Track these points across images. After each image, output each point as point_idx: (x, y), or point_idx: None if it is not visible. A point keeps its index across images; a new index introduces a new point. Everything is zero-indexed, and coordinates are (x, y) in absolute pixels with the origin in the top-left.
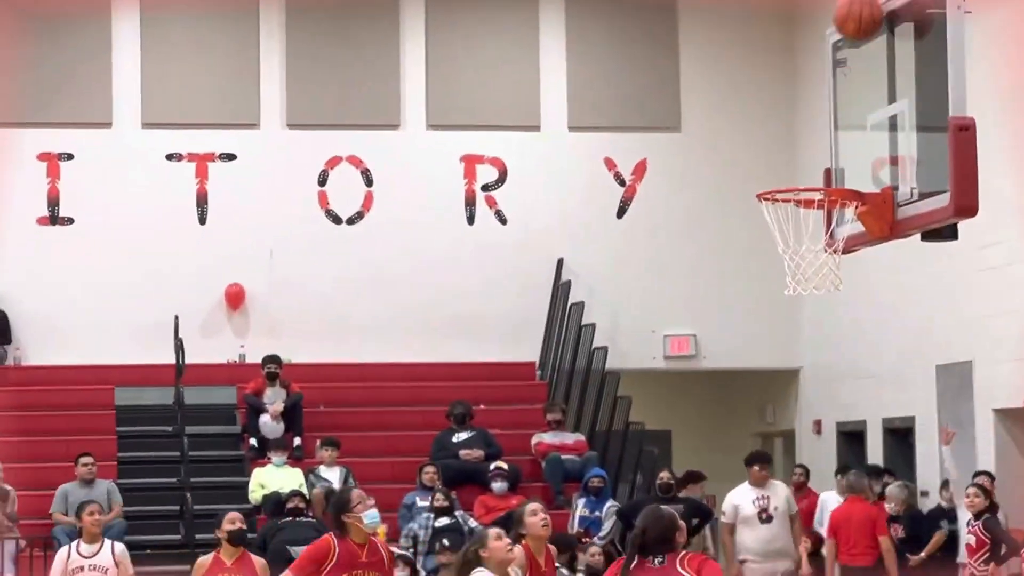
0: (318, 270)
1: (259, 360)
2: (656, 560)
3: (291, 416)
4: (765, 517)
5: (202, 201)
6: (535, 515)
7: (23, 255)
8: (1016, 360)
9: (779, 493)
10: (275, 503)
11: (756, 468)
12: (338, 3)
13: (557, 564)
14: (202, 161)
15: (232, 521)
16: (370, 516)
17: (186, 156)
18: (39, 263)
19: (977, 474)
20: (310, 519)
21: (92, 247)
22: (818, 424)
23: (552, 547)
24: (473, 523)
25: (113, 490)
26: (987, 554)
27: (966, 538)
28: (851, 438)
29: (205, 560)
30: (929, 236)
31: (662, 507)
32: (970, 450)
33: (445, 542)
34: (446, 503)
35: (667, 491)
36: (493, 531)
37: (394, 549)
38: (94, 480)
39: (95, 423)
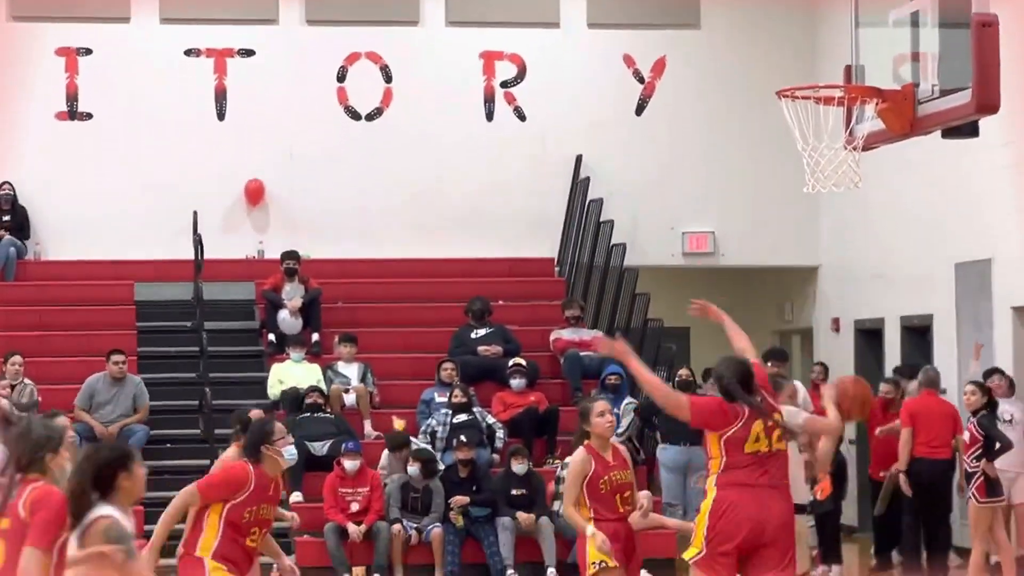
0: (337, 166)
1: (278, 256)
2: (757, 400)
3: (309, 312)
4: None
5: (221, 97)
6: (602, 416)
7: (42, 150)
8: None
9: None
10: (293, 399)
11: (770, 365)
12: None
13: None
14: (220, 57)
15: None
16: (289, 452)
17: (204, 52)
18: (58, 158)
19: (990, 372)
20: (328, 415)
21: (111, 142)
22: (836, 322)
23: (621, 447)
24: (491, 419)
25: (141, 390)
26: (980, 451)
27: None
28: (869, 336)
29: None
30: (950, 133)
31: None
32: (988, 349)
33: (463, 438)
34: (464, 399)
35: (686, 388)
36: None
37: (415, 441)
38: (124, 378)
39: (115, 318)
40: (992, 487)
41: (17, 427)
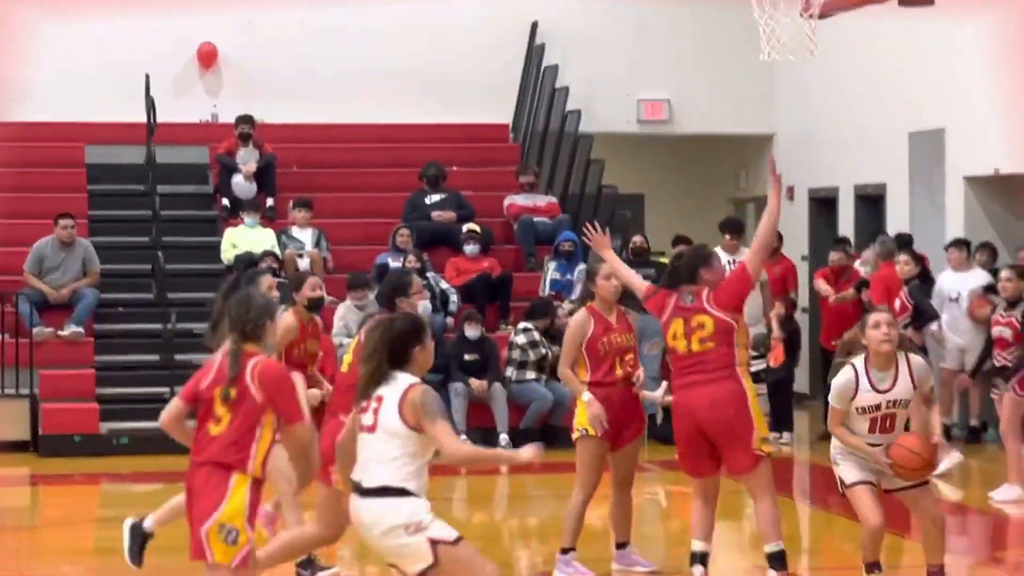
0: (292, 30)
1: (232, 120)
2: (687, 298)
3: (264, 176)
4: None
5: None
6: (608, 279)
7: None
8: (988, 128)
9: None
10: (247, 263)
11: (727, 237)
12: None
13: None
14: None
15: (313, 288)
16: (424, 306)
17: None
18: (5, 17)
19: (952, 242)
20: (282, 279)
21: (65, 2)
22: (791, 190)
23: (629, 313)
24: (444, 284)
25: (91, 254)
26: (908, 319)
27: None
28: (823, 204)
29: (291, 320)
30: (906, 1)
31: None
32: (940, 218)
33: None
34: (418, 264)
35: (640, 255)
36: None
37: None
38: (73, 242)
39: (66, 181)
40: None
41: (237, 295)
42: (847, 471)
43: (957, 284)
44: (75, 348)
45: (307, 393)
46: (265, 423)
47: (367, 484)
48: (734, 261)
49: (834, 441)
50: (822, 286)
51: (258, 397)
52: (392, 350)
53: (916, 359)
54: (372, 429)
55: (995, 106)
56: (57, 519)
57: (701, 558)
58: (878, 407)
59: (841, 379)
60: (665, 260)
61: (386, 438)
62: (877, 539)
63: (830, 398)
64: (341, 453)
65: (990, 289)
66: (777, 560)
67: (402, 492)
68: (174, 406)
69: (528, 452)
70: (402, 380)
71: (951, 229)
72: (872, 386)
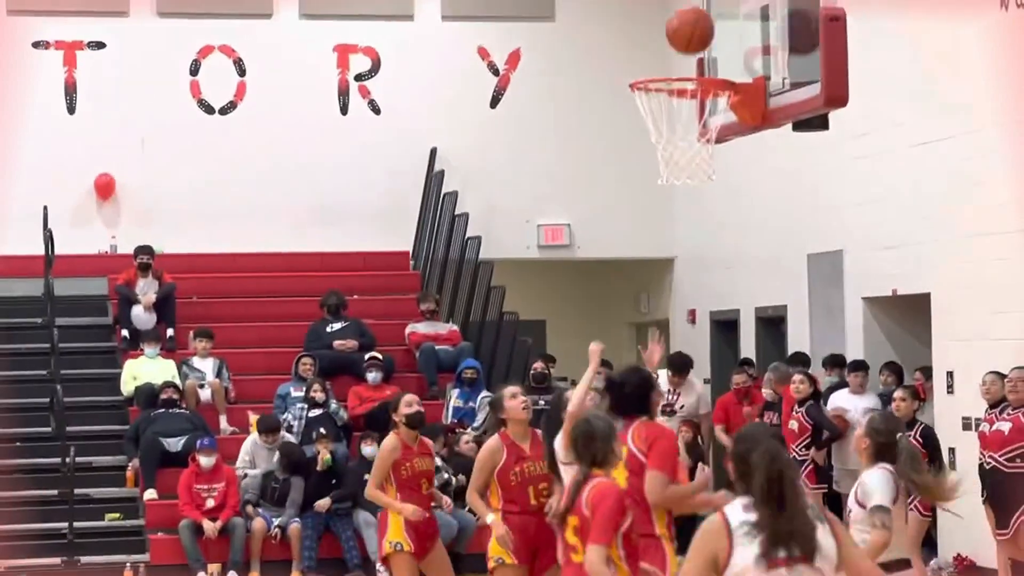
0: (190, 160)
1: (131, 251)
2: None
3: (164, 307)
4: (668, 411)
5: (71, 90)
6: (515, 398)
7: None
8: (885, 249)
9: (693, 391)
10: (148, 394)
11: (670, 375)
12: None
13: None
14: (70, 49)
15: (410, 404)
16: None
17: (54, 44)
18: None
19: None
20: (183, 410)
21: None
22: (692, 313)
23: (538, 431)
24: (344, 414)
25: None
26: (808, 439)
27: (790, 424)
28: (725, 327)
29: (394, 443)
30: (801, 126)
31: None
32: (839, 338)
33: (323, 431)
34: (321, 394)
35: (541, 381)
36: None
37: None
38: None
39: None
40: (821, 474)
41: (580, 426)
42: None
43: (848, 403)
44: None
45: (411, 509)
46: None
47: None
48: (676, 394)
49: None
50: (723, 438)
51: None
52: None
53: None
54: None
55: (891, 228)
56: None
57: None
58: None
59: None
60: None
61: None
62: None
63: None
64: None
65: (884, 403)
66: None
67: None
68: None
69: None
70: None
71: (851, 349)
72: None
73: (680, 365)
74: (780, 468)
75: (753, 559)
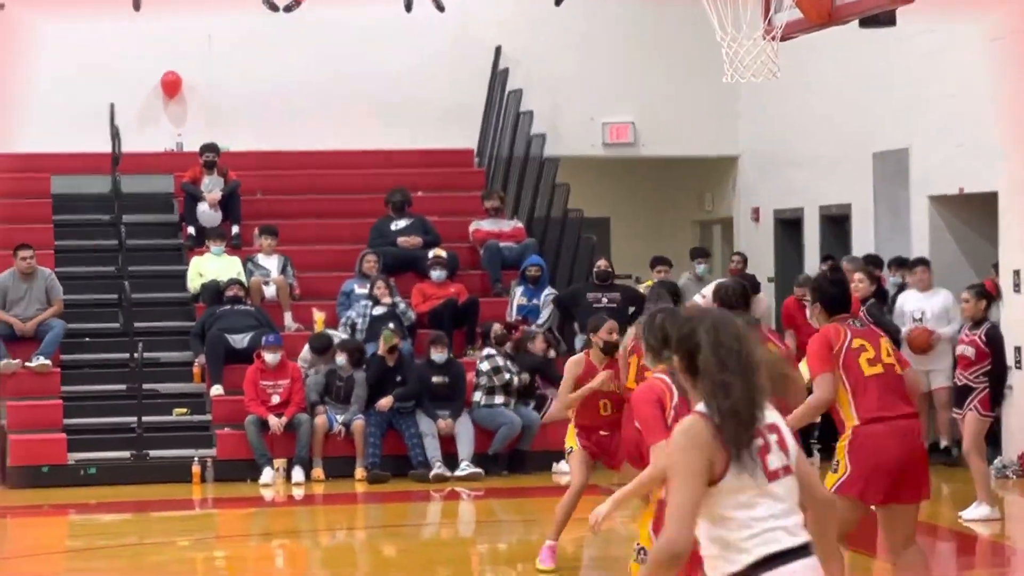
0: (255, 58)
1: (196, 149)
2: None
3: (229, 204)
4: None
5: None
6: (610, 334)
7: None
8: (952, 147)
9: (758, 307)
10: (213, 291)
11: (698, 262)
12: None
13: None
14: None
15: (611, 332)
16: None
17: None
18: None
19: (915, 262)
20: (248, 307)
21: (27, 33)
22: (756, 211)
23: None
24: (410, 313)
25: (53, 284)
26: None
27: None
28: (788, 225)
29: (580, 360)
30: (868, 22)
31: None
32: (904, 238)
33: (391, 326)
34: (386, 291)
35: (604, 279)
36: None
37: (336, 334)
38: (34, 272)
39: (31, 212)
40: None
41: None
42: None
43: (921, 304)
44: (42, 379)
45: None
46: None
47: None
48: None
49: None
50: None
51: None
52: None
53: None
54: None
55: (959, 125)
56: (25, 550)
57: None
58: None
59: None
60: (649, 283)
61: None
62: None
63: None
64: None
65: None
66: None
67: None
68: None
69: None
70: None
71: (917, 249)
72: None
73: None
74: (736, 334)
75: (751, 466)
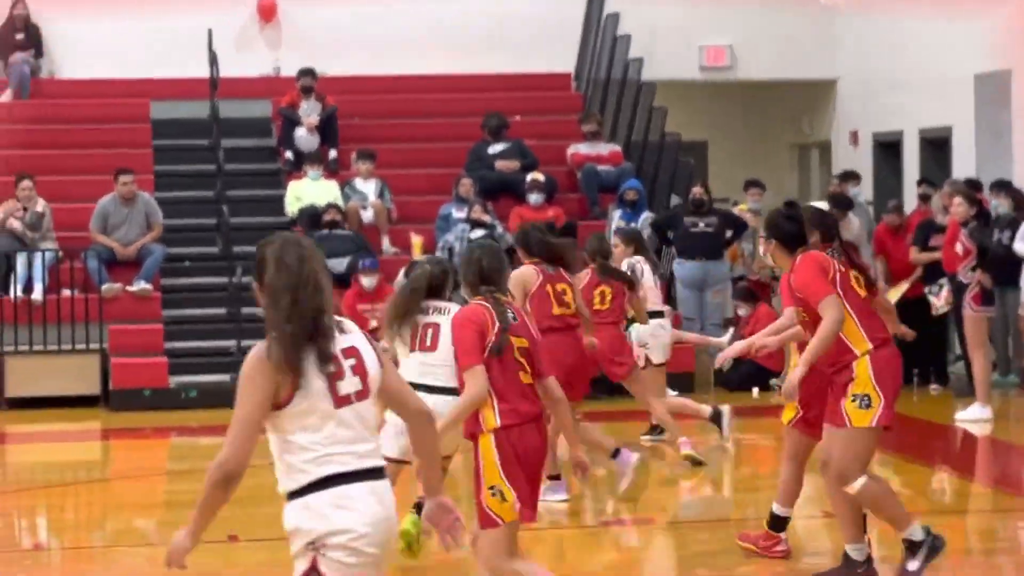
0: None
1: (294, 73)
2: None
3: (326, 129)
4: None
5: None
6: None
7: None
8: None
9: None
10: (311, 216)
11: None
12: None
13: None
14: None
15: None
16: None
17: None
18: None
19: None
20: (346, 232)
21: None
22: (854, 135)
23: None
24: (508, 237)
25: (153, 208)
26: (973, 262)
27: (955, 247)
28: (888, 148)
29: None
30: None
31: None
32: (1006, 161)
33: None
34: (483, 215)
35: (700, 206)
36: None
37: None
38: (134, 197)
39: (131, 137)
40: (987, 297)
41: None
42: None
43: None
44: (143, 303)
45: None
46: None
47: None
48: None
49: None
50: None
51: None
52: None
53: None
54: None
55: None
56: (128, 472)
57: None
58: None
59: None
60: (744, 206)
61: None
62: None
63: None
64: None
65: None
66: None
67: None
68: None
69: None
70: None
71: (1019, 173)
72: None
73: (842, 202)
74: (300, 256)
75: (318, 391)
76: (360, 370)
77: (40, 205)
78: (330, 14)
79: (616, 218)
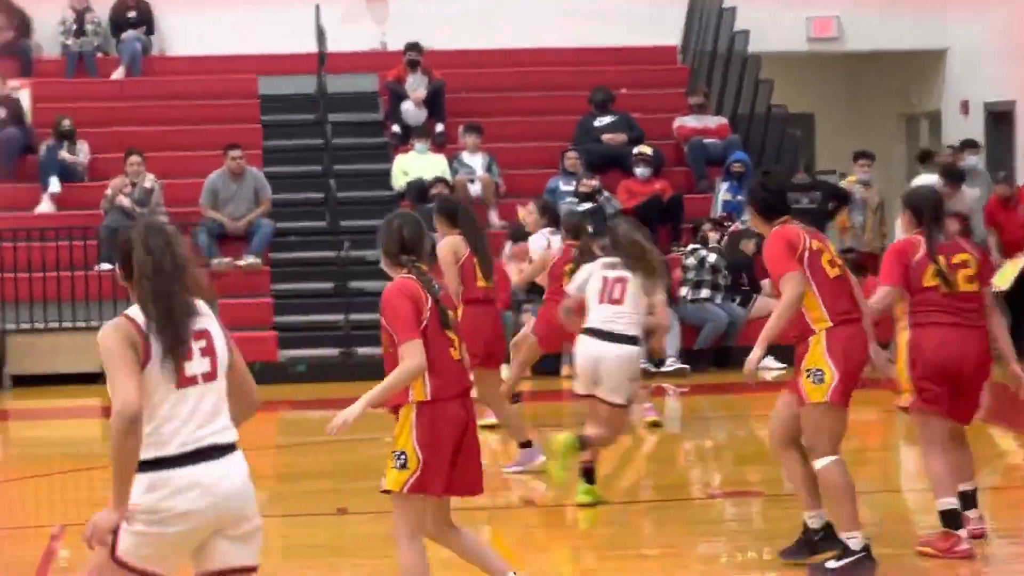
0: None
1: (400, 47)
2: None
3: (433, 102)
4: None
5: None
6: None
7: None
8: None
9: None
10: (418, 189)
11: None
12: None
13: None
14: None
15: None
16: None
17: None
18: None
19: None
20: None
21: None
22: (965, 105)
23: None
24: (617, 204)
25: (262, 183)
26: None
27: None
28: (999, 118)
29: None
30: None
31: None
32: None
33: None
34: (590, 188)
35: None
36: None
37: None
38: (243, 172)
39: (239, 112)
40: None
41: None
42: None
43: None
44: (252, 277)
45: None
46: None
47: None
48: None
49: None
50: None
51: None
52: None
53: None
54: None
55: None
56: (241, 446)
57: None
58: None
59: None
60: (852, 178)
61: None
62: None
63: None
64: None
65: None
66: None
67: None
68: None
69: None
70: None
71: None
72: None
73: (953, 175)
74: (165, 240)
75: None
76: (209, 352)
77: (149, 181)
78: None
79: (723, 190)
